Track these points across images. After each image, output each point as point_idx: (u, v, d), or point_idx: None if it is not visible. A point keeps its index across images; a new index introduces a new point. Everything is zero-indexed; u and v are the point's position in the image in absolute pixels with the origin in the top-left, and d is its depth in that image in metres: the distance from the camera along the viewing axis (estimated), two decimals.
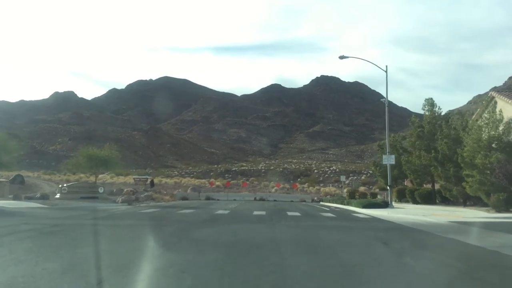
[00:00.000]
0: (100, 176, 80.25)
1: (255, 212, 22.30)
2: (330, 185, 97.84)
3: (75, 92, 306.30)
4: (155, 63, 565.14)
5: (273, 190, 69.53)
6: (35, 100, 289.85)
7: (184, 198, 46.93)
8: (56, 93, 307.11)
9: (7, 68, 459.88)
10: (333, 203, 40.48)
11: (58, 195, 29.84)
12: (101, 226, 13.12)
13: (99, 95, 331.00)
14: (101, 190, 31.56)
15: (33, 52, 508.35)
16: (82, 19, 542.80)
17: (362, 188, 70.05)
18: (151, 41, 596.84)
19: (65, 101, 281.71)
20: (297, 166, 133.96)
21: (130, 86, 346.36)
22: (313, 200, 51.75)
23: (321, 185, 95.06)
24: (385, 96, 29.83)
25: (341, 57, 30.17)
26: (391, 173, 30.91)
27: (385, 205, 28.46)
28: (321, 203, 46.93)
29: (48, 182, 50.54)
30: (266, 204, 37.95)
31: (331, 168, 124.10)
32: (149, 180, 56.48)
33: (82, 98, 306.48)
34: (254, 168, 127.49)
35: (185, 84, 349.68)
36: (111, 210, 21.46)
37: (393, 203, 30.01)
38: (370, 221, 18.36)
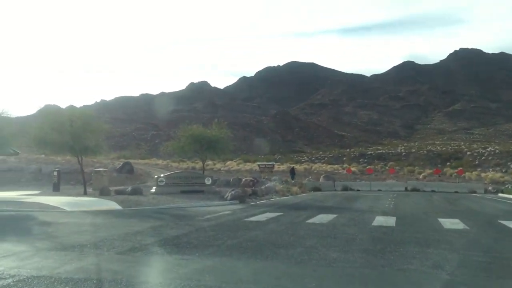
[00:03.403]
0: (228, 162, 75.24)
1: (444, 222, 12.68)
2: (490, 169, 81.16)
3: (209, 82, 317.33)
4: (282, 50, 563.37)
5: (420, 176, 57.46)
6: (173, 92, 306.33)
7: (316, 189, 38.31)
8: (192, 84, 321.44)
9: (149, 64, 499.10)
10: None
11: (153, 189, 23.33)
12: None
13: (230, 83, 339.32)
14: (208, 181, 24.30)
15: (171, 47, 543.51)
16: (210, 13, 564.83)
17: None
18: (278, 27, 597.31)
19: (199, 91, 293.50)
20: (444, 148, 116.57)
21: (258, 74, 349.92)
22: (486, 191, 39.03)
23: (478, 169, 78.84)
24: None
25: None
26: None
27: None
28: (499, 195, 34.62)
29: (164, 170, 45.72)
30: (429, 198, 27.55)
31: (487, 149, 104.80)
32: (273, 168, 48.85)
33: (215, 87, 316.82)
34: (393, 151, 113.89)
35: (312, 68, 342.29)
36: (203, 217, 13.61)
37: None
38: None
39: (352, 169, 65.06)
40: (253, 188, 26.52)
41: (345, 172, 66.11)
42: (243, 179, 33.00)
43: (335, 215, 14.50)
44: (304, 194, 30.99)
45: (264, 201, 22.22)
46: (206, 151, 27.28)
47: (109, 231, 10.03)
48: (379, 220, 13.10)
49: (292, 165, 55.49)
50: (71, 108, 22.51)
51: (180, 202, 18.51)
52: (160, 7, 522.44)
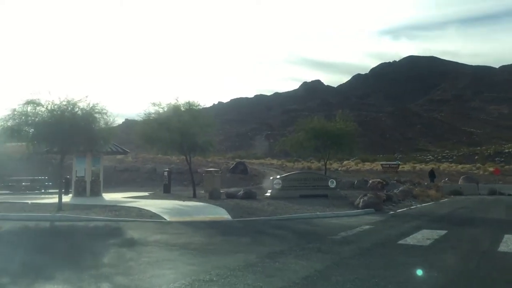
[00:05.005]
0: (344, 162, 69.97)
1: None
2: None
3: (322, 81, 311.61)
4: (397, 44, 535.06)
5: None
6: (287, 92, 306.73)
7: (456, 193, 32.41)
8: (305, 83, 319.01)
9: (263, 66, 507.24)
10: None
11: (268, 192, 20.17)
12: None
13: (344, 81, 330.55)
14: (332, 183, 20.49)
15: (284, 49, 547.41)
16: (321, 11, 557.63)
17: None
18: (391, 22, 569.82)
19: (313, 90, 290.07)
20: None
21: (373, 70, 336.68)
22: None
23: None
24: None
25: None
26: None
27: None
28: None
29: (278, 170, 42.68)
30: None
31: None
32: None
33: (328, 86, 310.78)
34: None
35: (431, 62, 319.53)
36: (337, 235, 9.91)
37: None
38: None
39: (490, 169, 56.37)
40: (385, 192, 22.14)
41: (481, 172, 57.86)
42: (370, 181, 28.61)
43: None
44: (446, 200, 25.72)
45: (404, 209, 17.80)
46: (329, 148, 23.41)
47: (206, 263, 6.80)
48: None
49: (432, 168, 49.52)
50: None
51: (302, 210, 15.01)
52: (274, 8, 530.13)
